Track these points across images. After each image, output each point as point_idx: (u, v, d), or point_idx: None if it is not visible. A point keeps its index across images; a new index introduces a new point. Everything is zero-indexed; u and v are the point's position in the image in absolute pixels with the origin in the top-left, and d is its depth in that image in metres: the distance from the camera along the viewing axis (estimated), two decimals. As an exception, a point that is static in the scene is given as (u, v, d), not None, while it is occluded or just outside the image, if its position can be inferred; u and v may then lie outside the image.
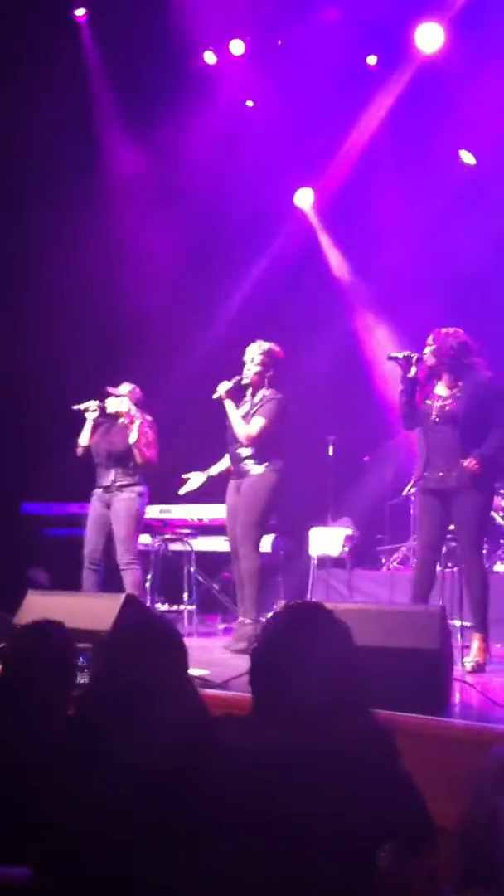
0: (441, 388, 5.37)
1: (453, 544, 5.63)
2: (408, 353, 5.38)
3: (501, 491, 7.43)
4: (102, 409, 6.57)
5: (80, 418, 6.69)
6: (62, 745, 2.20)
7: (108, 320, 9.08)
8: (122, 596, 4.99)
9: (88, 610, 4.74)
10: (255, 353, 6.12)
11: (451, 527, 5.44)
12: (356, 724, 1.96)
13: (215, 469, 6.36)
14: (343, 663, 2.06)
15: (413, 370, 5.35)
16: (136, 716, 1.97)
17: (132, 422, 6.48)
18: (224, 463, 6.29)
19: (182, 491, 6.51)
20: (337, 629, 2.10)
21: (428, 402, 5.35)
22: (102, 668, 2.53)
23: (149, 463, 6.51)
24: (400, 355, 5.40)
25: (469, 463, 5.15)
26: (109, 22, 8.88)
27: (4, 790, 2.21)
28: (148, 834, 1.87)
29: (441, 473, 5.27)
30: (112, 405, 6.55)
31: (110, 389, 6.61)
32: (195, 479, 6.45)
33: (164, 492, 7.26)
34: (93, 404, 6.58)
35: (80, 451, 6.62)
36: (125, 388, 6.66)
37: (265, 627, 2.20)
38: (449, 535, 5.55)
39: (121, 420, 6.52)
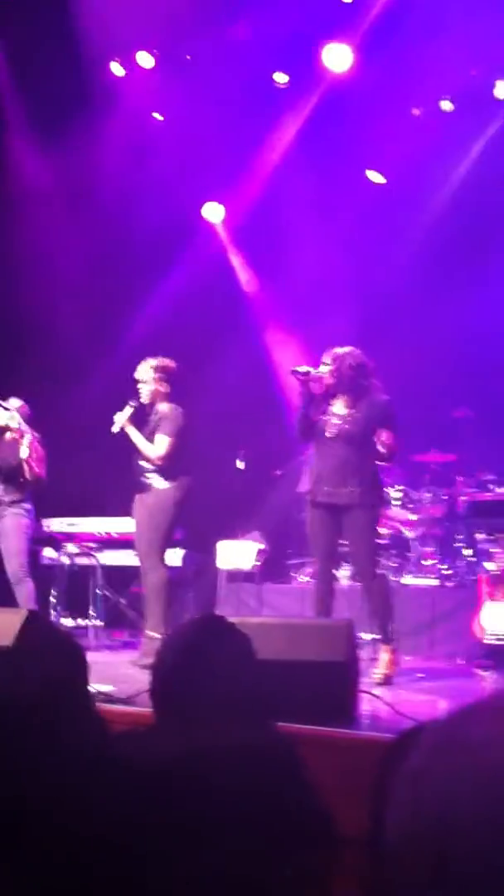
0: (339, 407, 5.40)
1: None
2: (307, 368, 5.39)
3: (410, 506, 7.53)
4: None
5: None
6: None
7: (10, 332, 8.92)
8: (24, 611, 4.87)
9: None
10: (145, 373, 6.10)
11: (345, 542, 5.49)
12: (257, 734, 1.92)
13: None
14: (243, 675, 2.04)
15: (310, 386, 5.36)
16: (33, 732, 1.92)
17: (21, 436, 6.39)
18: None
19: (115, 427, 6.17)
20: (237, 641, 2.08)
21: (324, 418, 5.37)
22: (1, 685, 2.45)
23: (38, 479, 6.44)
24: (300, 370, 5.40)
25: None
26: (15, 29, 8.75)
27: None
28: (43, 848, 1.82)
29: (329, 488, 5.30)
30: (2, 418, 6.43)
31: (0, 402, 6.49)
32: (121, 417, 6.09)
33: (70, 505, 7.15)
34: None
35: None
36: (14, 402, 6.55)
37: (166, 640, 2.16)
38: (345, 549, 5.59)
39: (8, 434, 6.41)
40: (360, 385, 5.37)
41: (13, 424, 6.43)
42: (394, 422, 5.34)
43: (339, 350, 5.40)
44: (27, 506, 6.49)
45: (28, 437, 6.41)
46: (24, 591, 6.34)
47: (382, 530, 7.23)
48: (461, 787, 0.93)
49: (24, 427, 6.46)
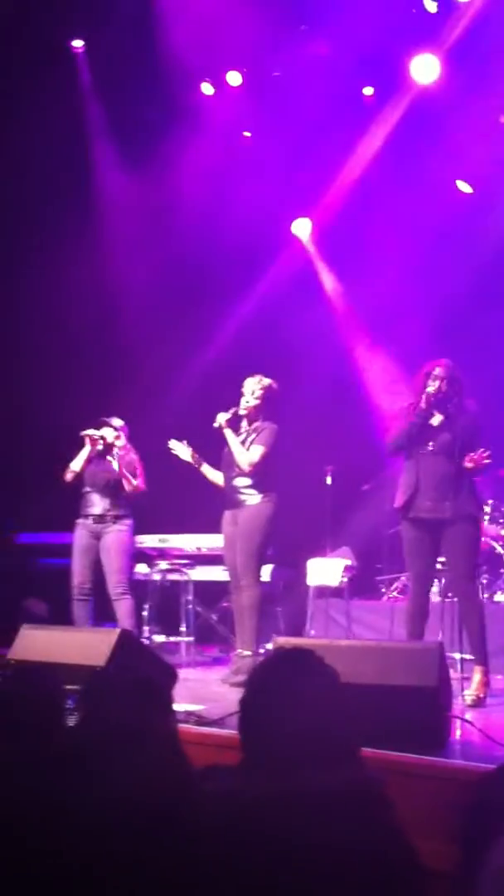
0: (436, 419, 5.36)
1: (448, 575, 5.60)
2: (431, 388, 5.35)
3: (501, 520, 7.40)
4: (103, 438, 6.57)
5: (72, 448, 6.66)
6: (40, 790, 2.17)
7: (100, 351, 9.11)
8: (117, 631, 4.94)
9: (82, 645, 4.70)
10: (254, 387, 6.15)
11: (441, 558, 5.42)
12: (343, 775, 1.91)
13: (208, 470, 6.29)
14: (330, 711, 2.03)
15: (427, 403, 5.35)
16: (111, 766, 1.94)
17: (126, 453, 6.50)
18: (215, 474, 6.24)
19: (171, 445, 6.37)
20: (325, 675, 2.07)
21: (425, 432, 5.34)
22: (84, 714, 2.49)
23: (141, 494, 6.52)
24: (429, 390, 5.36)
25: (471, 458, 5.12)
26: (106, 53, 8.92)
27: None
28: (125, 884, 1.84)
29: (430, 503, 5.25)
30: (110, 435, 6.56)
31: (106, 420, 6.64)
32: (182, 449, 6.32)
33: (161, 522, 7.23)
34: (96, 433, 6.57)
35: (70, 476, 6.60)
36: (117, 422, 6.68)
37: (253, 673, 2.16)
38: (442, 566, 5.52)
39: (115, 451, 6.52)
40: (456, 398, 5.34)
41: (119, 443, 6.55)
42: (480, 433, 5.30)
43: (444, 362, 5.39)
44: (129, 521, 6.56)
45: (132, 456, 6.54)
46: (124, 607, 6.41)
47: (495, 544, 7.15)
48: None
49: (128, 445, 6.59)
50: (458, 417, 5.32)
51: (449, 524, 5.22)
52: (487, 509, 7.36)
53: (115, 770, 2.06)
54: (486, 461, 5.20)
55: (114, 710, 2.22)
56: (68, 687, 2.94)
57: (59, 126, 8.80)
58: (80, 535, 6.58)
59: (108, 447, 6.58)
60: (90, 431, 6.57)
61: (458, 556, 5.27)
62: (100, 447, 6.57)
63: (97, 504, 6.54)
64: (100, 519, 6.52)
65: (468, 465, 5.17)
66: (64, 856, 1.97)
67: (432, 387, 5.33)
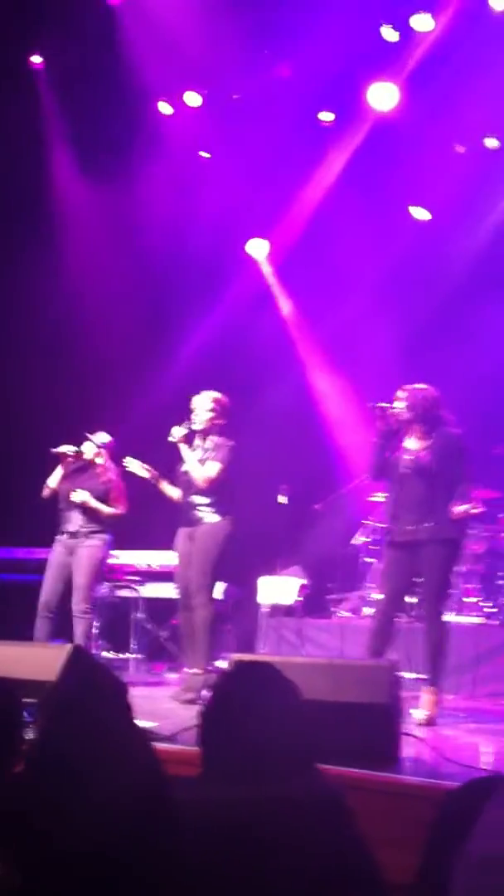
0: (412, 442, 5.42)
1: (414, 598, 5.63)
2: (384, 403, 5.42)
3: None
4: (78, 454, 6.52)
5: (35, 464, 6.62)
6: (8, 803, 2.16)
7: (63, 365, 9.06)
8: (68, 646, 4.91)
9: (33, 660, 4.65)
10: (205, 402, 6.16)
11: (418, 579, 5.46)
12: (306, 783, 1.94)
13: (166, 486, 6.27)
14: (292, 722, 2.05)
15: (387, 421, 5.39)
16: (84, 773, 1.94)
17: (104, 472, 6.46)
18: (173, 490, 6.23)
19: (126, 462, 6.35)
20: (285, 688, 2.09)
21: (398, 454, 5.40)
22: (48, 723, 2.48)
23: (118, 514, 6.50)
24: (380, 405, 5.42)
25: (458, 510, 5.17)
26: (65, 69, 8.94)
27: None
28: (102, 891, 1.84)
29: (410, 527, 5.30)
30: (88, 451, 6.52)
31: (88, 436, 6.58)
32: (137, 466, 6.29)
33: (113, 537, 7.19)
34: (71, 449, 6.52)
35: (46, 492, 6.54)
36: (103, 437, 6.63)
37: (214, 686, 2.18)
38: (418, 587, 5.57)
39: (92, 469, 6.50)
40: (433, 419, 5.39)
41: (98, 461, 6.51)
42: (466, 455, 5.35)
43: (415, 386, 5.43)
44: (105, 536, 6.49)
45: (109, 475, 6.50)
46: (83, 625, 6.32)
47: None
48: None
49: (108, 463, 6.54)
50: (436, 439, 5.36)
51: (424, 545, 5.27)
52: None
53: (91, 776, 2.06)
54: (475, 511, 5.24)
55: (79, 717, 2.21)
56: (26, 700, 2.93)
57: (18, 144, 8.80)
58: (56, 552, 6.50)
59: (88, 464, 6.53)
60: (62, 448, 6.51)
61: (431, 577, 5.31)
62: (70, 461, 6.51)
63: (73, 521, 6.48)
64: (74, 535, 6.46)
65: (453, 515, 5.22)
66: (39, 866, 1.96)
67: (396, 408, 5.38)
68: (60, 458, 6.50)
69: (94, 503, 6.42)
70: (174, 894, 1.75)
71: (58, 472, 6.52)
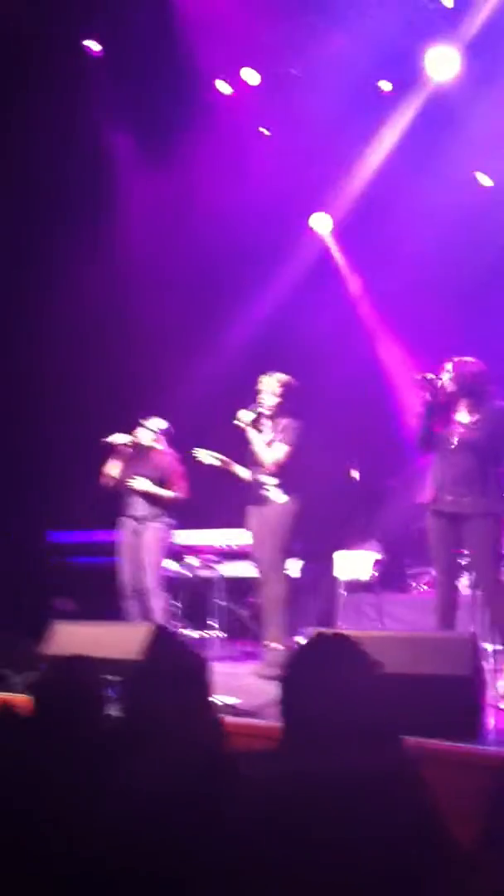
0: (461, 415, 5.38)
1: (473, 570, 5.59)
2: (430, 375, 5.39)
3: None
4: (134, 443, 6.63)
5: (100, 446, 6.74)
6: (91, 774, 2.24)
7: (125, 351, 9.16)
8: (150, 626, 5.00)
9: (116, 640, 4.76)
10: (272, 384, 6.18)
11: (465, 551, 5.44)
12: (383, 757, 1.96)
13: (238, 469, 6.32)
14: (369, 695, 2.08)
15: (433, 394, 5.36)
16: (158, 749, 2.00)
17: (160, 458, 6.60)
18: (245, 472, 6.28)
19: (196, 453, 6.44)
20: (362, 660, 2.12)
21: (448, 426, 5.36)
22: (131, 702, 2.55)
23: (180, 500, 6.67)
24: (426, 377, 5.40)
25: None
26: (122, 52, 8.97)
27: (28, 818, 2.23)
28: (164, 864, 1.90)
29: (452, 498, 5.28)
30: (145, 438, 6.64)
31: (143, 422, 6.71)
32: (207, 455, 6.38)
33: (189, 518, 7.28)
34: (123, 438, 6.64)
35: (108, 481, 6.68)
36: (158, 423, 6.75)
37: (292, 659, 2.21)
38: (468, 560, 5.54)
39: (149, 454, 6.66)
40: (481, 392, 5.35)
41: (158, 446, 6.69)
42: None
43: (462, 359, 5.39)
44: (168, 520, 6.72)
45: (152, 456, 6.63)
46: (158, 601, 6.57)
47: None
48: None
49: (164, 447, 6.68)
50: (484, 412, 5.33)
51: (470, 518, 5.25)
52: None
53: (162, 756, 2.12)
54: None
55: (158, 698, 2.27)
56: (107, 678, 3.00)
57: (75, 126, 8.88)
58: (124, 535, 6.74)
59: (145, 450, 6.65)
60: (113, 438, 6.61)
61: (480, 549, 5.29)
62: (128, 449, 6.61)
63: (136, 505, 6.70)
64: (139, 520, 6.67)
65: None
66: (108, 841, 2.03)
67: (442, 379, 5.35)
68: (114, 447, 6.61)
69: (153, 489, 6.60)
70: (237, 868, 1.79)
71: (115, 462, 6.64)
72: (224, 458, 6.34)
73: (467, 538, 5.30)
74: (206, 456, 6.35)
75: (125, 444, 6.63)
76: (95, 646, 4.70)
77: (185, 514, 7.06)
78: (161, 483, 6.63)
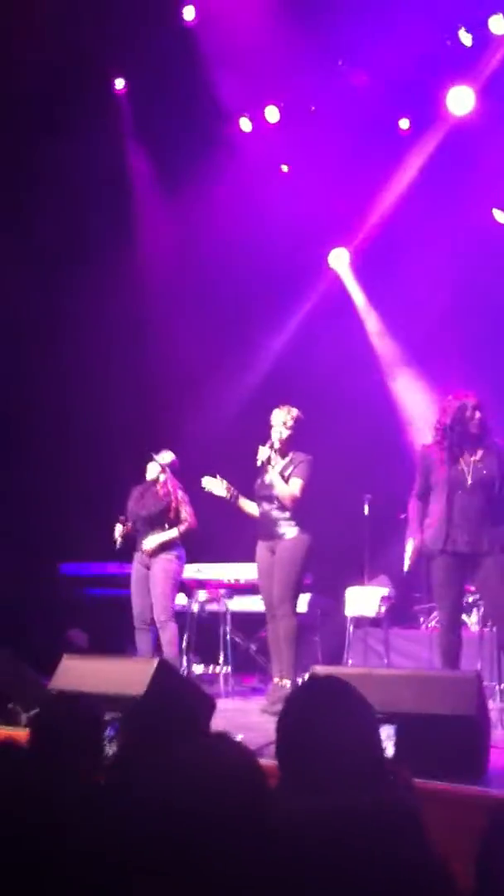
0: (467, 455, 5.37)
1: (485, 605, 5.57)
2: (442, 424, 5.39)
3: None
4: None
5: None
6: (88, 812, 2.22)
7: (140, 384, 9.23)
8: (156, 661, 4.99)
9: (121, 675, 4.75)
10: (285, 418, 6.20)
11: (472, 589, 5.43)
12: (376, 796, 1.95)
13: (245, 502, 6.32)
14: (361, 735, 2.07)
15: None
16: (157, 792, 1.98)
17: (165, 491, 6.71)
18: (251, 506, 6.28)
19: (205, 483, 6.42)
20: (357, 704, 2.12)
21: (457, 466, 5.34)
22: (127, 741, 2.55)
23: (191, 529, 6.74)
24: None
25: None
26: (147, 90, 9.11)
27: (24, 855, 2.21)
28: None
29: (464, 538, 5.27)
30: (151, 471, 6.81)
31: (153, 455, 6.79)
32: (216, 484, 6.36)
33: (198, 552, 7.29)
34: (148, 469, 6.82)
35: (123, 531, 6.81)
36: (167, 456, 6.81)
37: (288, 701, 2.21)
38: (476, 596, 5.53)
39: (154, 487, 6.74)
40: (479, 429, 5.35)
41: (161, 478, 6.78)
42: None
43: (451, 398, 5.42)
44: (176, 551, 6.78)
45: (180, 493, 6.77)
46: (167, 634, 6.61)
47: None
48: None
49: (172, 481, 6.79)
50: (489, 453, 5.34)
51: (484, 556, 5.24)
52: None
53: (160, 801, 2.11)
54: None
55: (152, 738, 2.26)
56: (108, 716, 3.00)
57: (101, 166, 8.99)
58: (135, 568, 6.84)
59: (153, 483, 6.78)
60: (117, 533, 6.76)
61: (494, 588, 5.27)
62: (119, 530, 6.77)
63: (143, 538, 6.77)
64: (149, 554, 6.73)
65: None
66: (102, 876, 2.02)
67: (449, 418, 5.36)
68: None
69: (163, 538, 6.71)
70: None
71: (119, 529, 6.79)
72: (231, 488, 6.31)
73: (480, 576, 5.28)
74: (214, 485, 6.33)
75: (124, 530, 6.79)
76: (101, 681, 4.71)
77: (193, 548, 7.07)
78: (164, 516, 6.67)
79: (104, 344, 8.99)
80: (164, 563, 6.71)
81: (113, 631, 7.46)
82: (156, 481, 6.81)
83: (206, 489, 6.37)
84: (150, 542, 6.72)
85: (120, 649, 7.23)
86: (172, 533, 6.72)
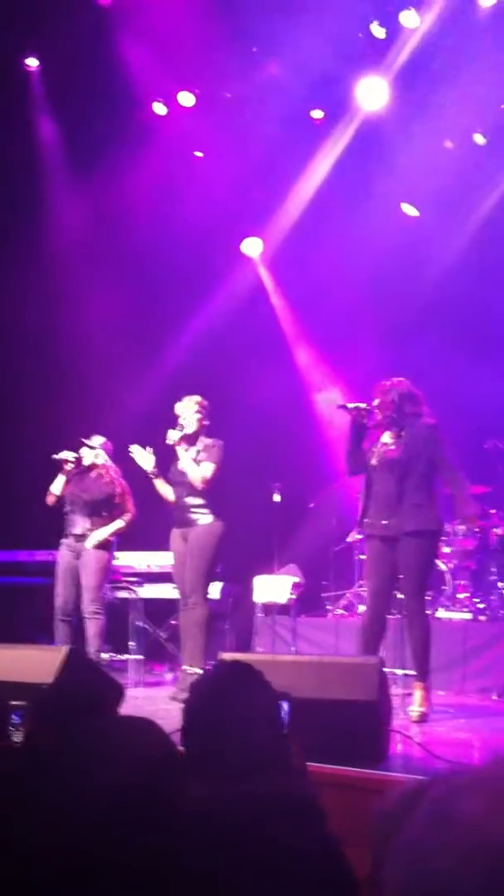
0: (386, 437, 5.48)
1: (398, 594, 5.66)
2: (358, 404, 5.48)
3: (443, 538, 7.51)
4: (78, 459, 6.58)
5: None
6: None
7: (56, 368, 9.10)
8: (65, 649, 4.96)
9: (29, 663, 4.70)
10: (191, 406, 6.24)
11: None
12: (275, 782, 1.99)
13: (161, 484, 6.30)
14: (264, 721, 2.11)
15: (361, 420, 5.45)
16: (63, 783, 1.99)
17: (107, 472, 6.54)
18: (167, 489, 6.29)
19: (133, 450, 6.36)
20: (259, 685, 2.15)
21: (372, 449, 5.45)
22: (33, 729, 2.54)
23: (131, 520, 6.56)
24: (351, 406, 5.50)
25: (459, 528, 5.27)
26: (58, 70, 8.97)
27: None
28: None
29: (384, 521, 5.34)
30: (87, 456, 6.59)
31: (84, 440, 6.64)
32: (144, 456, 6.29)
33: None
34: (71, 455, 6.58)
35: (51, 499, 6.61)
36: (98, 440, 6.69)
37: (193, 685, 2.24)
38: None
39: (94, 472, 6.56)
40: (405, 413, 5.43)
41: (98, 461, 6.59)
42: (442, 443, 5.38)
43: (387, 383, 5.50)
44: (109, 539, 6.57)
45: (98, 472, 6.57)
46: (95, 626, 6.42)
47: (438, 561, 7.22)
48: (458, 869, 0.94)
49: (109, 463, 6.62)
50: (407, 434, 5.41)
51: (397, 540, 5.31)
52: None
53: (66, 793, 2.11)
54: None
55: (60, 724, 2.26)
56: (14, 703, 2.99)
57: (9, 142, 8.84)
58: (63, 555, 6.57)
59: (90, 467, 6.60)
60: (62, 455, 6.56)
61: (407, 571, 5.34)
62: (69, 467, 6.56)
63: (78, 524, 6.54)
64: (80, 538, 6.52)
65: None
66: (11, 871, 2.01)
67: (366, 407, 5.45)
68: (61, 463, 6.57)
69: (106, 533, 6.49)
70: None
71: (60, 479, 6.58)
72: (154, 462, 6.27)
73: (399, 558, 5.34)
74: (142, 456, 6.29)
75: (71, 461, 6.55)
76: (9, 669, 4.66)
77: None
78: (107, 499, 6.54)
79: (20, 331, 8.84)
80: (97, 553, 6.48)
81: (14, 620, 7.32)
82: (93, 466, 6.60)
83: (133, 456, 6.30)
84: (98, 535, 6.48)
85: (31, 640, 7.12)
86: (118, 524, 6.53)
